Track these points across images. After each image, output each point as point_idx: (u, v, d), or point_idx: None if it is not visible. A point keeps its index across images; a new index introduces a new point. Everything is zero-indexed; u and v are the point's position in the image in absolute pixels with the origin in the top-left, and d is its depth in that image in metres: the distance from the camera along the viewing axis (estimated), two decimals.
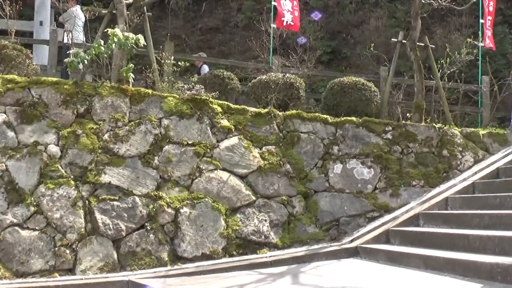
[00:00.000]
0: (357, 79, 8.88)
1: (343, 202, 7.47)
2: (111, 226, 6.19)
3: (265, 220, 6.92)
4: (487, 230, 5.56)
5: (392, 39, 10.23)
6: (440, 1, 9.48)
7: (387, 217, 7.26)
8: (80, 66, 6.65)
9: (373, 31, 14.34)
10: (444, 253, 5.39)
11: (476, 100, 11.07)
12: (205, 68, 10.54)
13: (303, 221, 7.18)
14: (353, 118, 8.09)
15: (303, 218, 7.22)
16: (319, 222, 7.26)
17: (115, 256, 6.12)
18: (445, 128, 8.55)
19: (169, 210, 6.48)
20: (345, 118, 8.09)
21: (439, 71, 9.90)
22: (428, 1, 9.57)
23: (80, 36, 9.28)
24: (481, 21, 11.24)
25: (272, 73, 8.61)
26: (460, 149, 8.33)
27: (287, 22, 10.33)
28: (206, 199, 6.73)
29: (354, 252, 6.70)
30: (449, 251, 5.47)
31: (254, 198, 7.04)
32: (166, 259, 6.26)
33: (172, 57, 8.11)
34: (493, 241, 5.11)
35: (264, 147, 7.46)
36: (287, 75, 8.61)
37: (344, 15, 15.50)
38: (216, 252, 6.47)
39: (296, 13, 10.61)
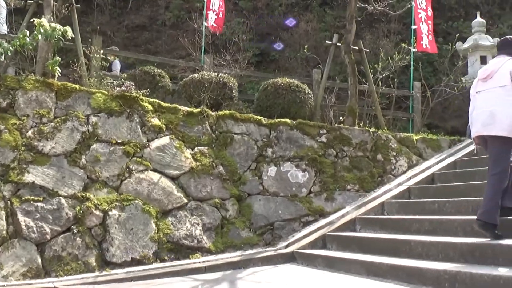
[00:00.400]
0: (291, 80, 9.49)
1: (278, 205, 7.97)
2: (34, 228, 6.30)
3: (198, 224, 7.28)
4: (429, 236, 5.96)
5: (327, 42, 11.04)
6: (375, 6, 10.50)
7: (323, 222, 7.79)
8: (3, 57, 6.85)
9: (303, 34, 15.29)
10: (387, 259, 5.73)
11: (409, 106, 12.20)
12: (117, 64, 10.88)
13: (237, 225, 7.60)
14: (287, 120, 8.62)
15: (237, 222, 7.65)
16: (253, 226, 7.70)
17: (39, 261, 6.22)
18: (379, 132, 9.24)
19: (97, 212, 6.68)
20: (279, 120, 8.61)
21: (372, 75, 10.89)
22: (363, 4, 10.58)
23: (3, 27, 9.36)
24: (413, 27, 12.41)
25: (204, 72, 9.05)
26: (394, 153, 9.12)
27: (210, 22, 11.06)
28: (136, 201, 6.99)
29: (290, 258, 7.12)
30: (391, 257, 5.82)
31: (186, 200, 7.39)
32: (94, 264, 6.45)
33: (101, 51, 8.47)
34: (437, 247, 5.47)
35: (196, 148, 7.85)
36: (221, 74, 9.21)
37: (274, 17, 16.40)
38: (146, 257, 6.73)
39: (221, 14, 11.33)
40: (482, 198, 6.13)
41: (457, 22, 18.25)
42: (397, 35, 15.97)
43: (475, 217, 5.33)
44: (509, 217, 5.36)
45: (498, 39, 11.32)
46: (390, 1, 10.88)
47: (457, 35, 12.74)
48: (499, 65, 5.53)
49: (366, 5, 10.60)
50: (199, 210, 7.45)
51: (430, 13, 12.69)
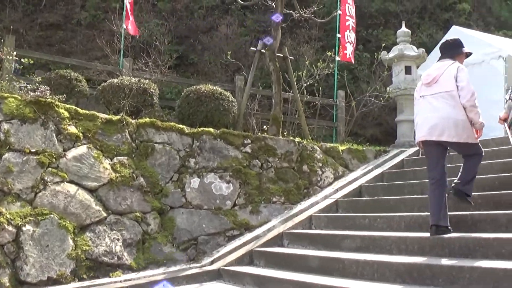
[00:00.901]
0: (214, 87, 9.68)
1: (201, 219, 8.14)
2: None
3: (118, 239, 7.31)
4: (362, 253, 6.19)
5: (251, 48, 11.40)
6: (301, 12, 10.93)
7: (249, 236, 8.01)
8: None
9: (223, 38, 15.64)
10: (320, 279, 5.84)
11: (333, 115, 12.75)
12: None
13: (159, 240, 7.69)
14: (211, 129, 8.81)
15: (159, 236, 7.74)
16: (176, 241, 7.82)
17: None
18: (304, 142, 9.61)
19: (10, 228, 6.55)
20: (202, 129, 8.79)
21: (296, 83, 11.30)
22: (289, 11, 10.98)
23: None
24: (338, 35, 13.01)
25: (124, 77, 9.12)
26: (320, 164, 9.54)
27: (127, 26, 11.14)
28: (52, 216, 6.93)
29: (216, 275, 7.25)
30: (324, 276, 5.97)
31: (105, 214, 7.40)
32: (8, 284, 6.28)
33: (14, 53, 8.32)
34: (372, 266, 5.64)
35: (115, 158, 7.89)
36: (141, 80, 9.28)
37: (193, 20, 16.62)
38: (64, 276, 6.68)
39: (131, 18, 11.43)
40: (413, 213, 6.69)
41: (377, 30, 19.21)
42: (318, 42, 16.65)
43: (408, 233, 5.83)
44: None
45: (423, 49, 12.18)
46: (315, 8, 11.39)
47: (383, 44, 13.47)
48: (443, 69, 5.96)
49: (292, 11, 11.03)
50: (119, 224, 7.49)
51: (353, 24, 13.33)
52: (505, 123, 5.56)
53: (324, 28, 17.66)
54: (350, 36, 13.28)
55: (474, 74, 14.47)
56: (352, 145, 10.71)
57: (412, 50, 11.87)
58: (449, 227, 5.72)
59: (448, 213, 5.91)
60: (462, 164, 6.19)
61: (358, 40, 16.10)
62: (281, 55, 10.83)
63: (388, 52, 12.16)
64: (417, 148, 10.19)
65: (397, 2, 20.14)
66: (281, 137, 9.73)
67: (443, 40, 6.47)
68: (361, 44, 18.33)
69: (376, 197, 8.33)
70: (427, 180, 7.86)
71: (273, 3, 10.81)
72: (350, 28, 13.18)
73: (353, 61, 13.57)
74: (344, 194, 8.78)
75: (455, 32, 15.96)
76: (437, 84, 5.95)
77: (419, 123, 6.12)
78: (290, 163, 9.28)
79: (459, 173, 6.14)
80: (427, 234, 5.79)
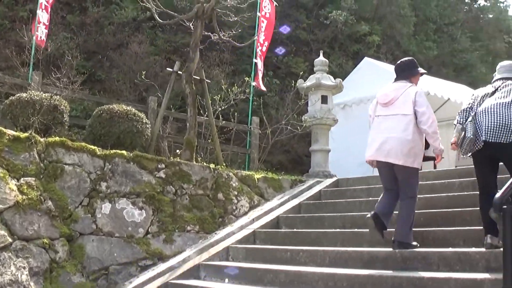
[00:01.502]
0: (128, 108, 9.63)
1: (113, 247, 8.02)
2: None
3: (24, 268, 7.02)
4: None
5: (168, 69, 11.43)
6: (220, 35, 11.11)
7: (163, 267, 7.96)
8: None
9: (132, 56, 15.60)
10: None
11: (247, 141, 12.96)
12: None
13: (68, 269, 7.50)
14: (124, 152, 8.73)
15: (68, 265, 7.54)
16: (85, 270, 7.66)
17: None
18: (220, 169, 9.72)
19: None
20: (115, 151, 8.69)
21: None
22: (207, 33, 11.13)
23: None
24: (255, 60, 13.30)
25: (34, 92, 8.90)
26: (236, 193, 9.66)
27: (40, 37, 10.91)
28: None
29: None
30: None
31: (10, 240, 7.13)
32: None
33: None
34: None
35: (22, 179, 7.65)
36: (53, 96, 9.05)
37: (103, 35, 16.47)
38: None
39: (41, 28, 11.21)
40: (337, 248, 6.92)
41: (288, 57, 19.80)
42: (230, 66, 16.94)
43: (335, 270, 6.04)
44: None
45: (340, 79, 12.66)
46: (234, 32, 11.61)
47: (301, 73, 13.88)
48: (401, 91, 6.30)
49: (211, 33, 11.19)
50: (25, 251, 7.24)
51: (265, 48, 13.66)
52: (457, 148, 5.95)
53: (236, 52, 18.00)
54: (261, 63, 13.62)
55: None
56: (267, 173, 10.92)
57: (329, 80, 12.29)
58: (414, 243, 6.16)
59: (377, 249, 6.24)
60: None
61: (268, 66, 16.56)
62: (198, 77, 10.94)
63: (304, 81, 12.53)
64: (334, 179, 10.62)
65: (308, 31, 20.87)
66: (195, 162, 9.78)
67: (399, 61, 6.82)
68: (271, 70, 18.85)
69: (295, 229, 8.49)
70: (349, 213, 8.30)
71: (191, 24, 10.95)
72: (260, 54, 13.51)
73: (263, 88, 13.89)
74: (262, 225, 8.90)
75: (367, 63, 16.79)
76: (394, 105, 6.28)
77: (370, 141, 6.48)
78: (205, 191, 9.33)
79: (397, 221, 6.38)
80: (355, 271, 6.03)
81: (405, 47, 22.99)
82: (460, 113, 6.02)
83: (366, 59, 17.36)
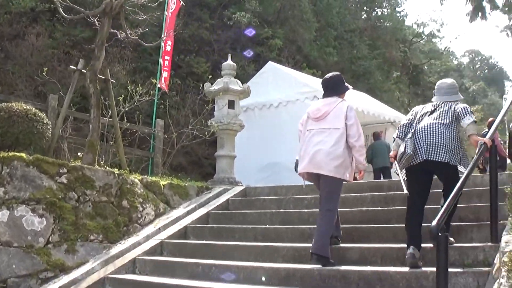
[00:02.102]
0: (28, 107, 9.14)
1: (12, 258, 7.54)
2: None
3: None
4: None
5: (70, 67, 10.93)
6: (127, 33, 10.75)
7: (66, 279, 7.58)
8: None
9: (30, 48, 14.89)
10: None
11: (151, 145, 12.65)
12: None
13: None
14: (23, 155, 8.25)
15: None
16: None
17: None
18: (125, 175, 9.38)
19: None
20: (13, 153, 8.21)
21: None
22: (114, 30, 10.74)
23: None
24: (160, 60, 13.03)
25: None
26: (141, 200, 9.33)
27: None
28: None
29: None
30: None
31: None
32: None
33: None
34: None
35: None
36: None
37: None
38: None
39: None
40: (252, 263, 6.82)
41: (190, 56, 19.61)
42: (131, 63, 16.54)
43: (250, 287, 5.95)
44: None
45: (248, 84, 12.61)
46: (142, 31, 11.31)
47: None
48: (333, 106, 6.54)
49: (117, 31, 10.83)
50: None
51: (169, 47, 13.45)
52: (395, 161, 6.20)
53: (137, 49, 17.61)
54: (166, 63, 13.38)
55: (288, 112, 15.41)
56: (172, 179, 10.68)
57: (237, 84, 12.23)
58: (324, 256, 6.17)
59: (294, 265, 6.22)
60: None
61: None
62: (103, 77, 10.57)
63: (211, 83, 12.40)
64: (242, 187, 10.57)
65: (211, 31, 20.76)
66: (98, 167, 9.42)
67: (326, 75, 7.02)
68: (172, 70, 18.57)
69: (204, 241, 8.31)
70: (260, 225, 8.25)
71: (96, 20, 10.57)
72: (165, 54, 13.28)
73: (165, 89, 13.67)
74: (169, 235, 8.67)
75: (271, 67, 16.88)
76: (326, 120, 6.51)
77: (303, 155, 6.60)
78: (109, 197, 8.99)
79: (315, 232, 6.45)
80: None
81: (307, 52, 23.38)
82: (399, 128, 6.32)
83: (270, 63, 17.46)
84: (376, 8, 31.65)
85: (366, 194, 8.44)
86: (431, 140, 5.92)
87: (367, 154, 16.28)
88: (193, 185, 10.64)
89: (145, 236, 8.69)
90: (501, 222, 5.78)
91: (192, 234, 8.80)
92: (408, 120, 6.32)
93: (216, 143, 12.31)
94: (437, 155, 5.85)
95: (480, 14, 14.17)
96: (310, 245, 6.38)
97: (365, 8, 30.76)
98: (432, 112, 6.19)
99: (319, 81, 17.37)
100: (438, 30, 35.16)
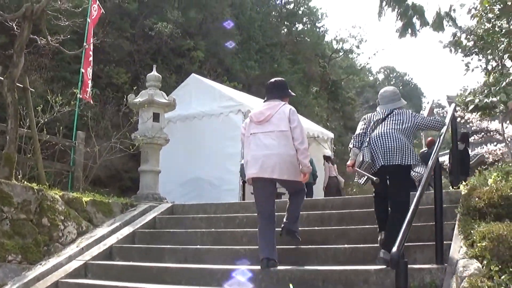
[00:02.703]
0: None
1: None
2: None
3: None
4: None
5: None
6: (49, 40, 10.24)
7: None
8: None
9: None
10: None
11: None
12: None
13: None
14: None
15: None
16: None
17: None
18: (45, 191, 8.87)
19: None
20: None
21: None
22: (35, 36, 10.22)
23: None
24: (82, 70, 12.49)
25: None
26: (62, 218, 8.79)
27: None
28: None
29: None
30: None
31: None
32: None
33: None
34: None
35: None
36: None
37: None
38: None
39: None
40: (183, 286, 6.57)
41: (109, 66, 19.06)
42: (49, 72, 15.88)
43: None
44: None
45: (174, 97, 12.28)
46: (63, 37, 10.83)
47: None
48: (276, 109, 6.61)
49: (37, 37, 10.32)
50: None
51: (91, 58, 12.95)
52: (356, 168, 6.44)
53: (55, 57, 16.94)
54: (90, 73, 12.89)
55: (212, 125, 15.18)
56: (95, 195, 10.18)
57: (162, 97, 11.91)
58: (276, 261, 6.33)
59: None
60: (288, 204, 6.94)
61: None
62: (21, 85, 10.01)
63: (136, 95, 12.01)
64: (169, 204, 10.20)
65: (132, 41, 20.28)
66: (15, 181, 8.86)
67: (271, 80, 7.11)
68: (91, 80, 17.97)
69: (132, 262, 7.85)
70: (191, 246, 7.92)
71: (14, 25, 10.05)
72: (91, 65, 12.80)
73: (90, 100, 13.15)
74: (93, 256, 8.18)
75: (195, 80, 16.61)
76: (270, 123, 6.57)
77: (250, 160, 6.64)
78: (28, 215, 8.43)
79: (286, 213, 6.88)
80: None
81: (229, 65, 23.24)
82: (355, 138, 6.56)
83: (193, 75, 17.19)
84: (296, 23, 31.93)
85: (302, 212, 8.28)
86: (387, 145, 6.18)
87: None
88: (117, 201, 10.18)
89: (68, 257, 8.17)
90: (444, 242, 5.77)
91: (118, 255, 8.33)
92: (362, 129, 6.56)
93: (138, 157, 11.92)
94: (393, 159, 6.12)
95: (410, 30, 14.35)
96: (246, 267, 6.36)
97: (286, 22, 30.94)
98: (383, 120, 6.45)
99: (244, 95, 17.38)
100: (357, 46, 35.72)
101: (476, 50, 19.71)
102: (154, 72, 12.28)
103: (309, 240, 7.18)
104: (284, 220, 6.85)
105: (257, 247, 6.66)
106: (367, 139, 6.38)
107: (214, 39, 22.89)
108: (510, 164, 7.88)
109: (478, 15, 6.69)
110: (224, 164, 14.76)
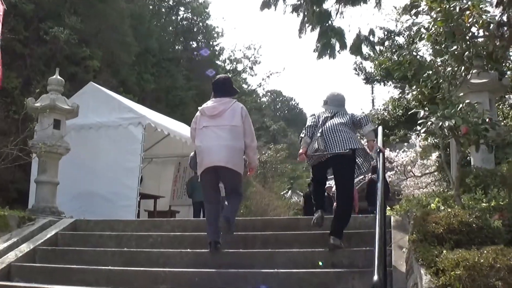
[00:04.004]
0: None
1: None
2: None
3: None
4: None
5: None
6: None
7: None
8: None
9: None
10: None
11: None
12: None
13: None
14: None
15: None
16: None
17: None
18: None
19: None
20: None
21: None
22: None
23: None
24: None
25: None
26: None
27: None
28: None
29: None
30: None
31: None
32: None
33: None
34: None
35: None
36: None
37: None
38: None
39: None
40: None
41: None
42: None
43: None
44: None
45: (78, 104, 11.27)
46: None
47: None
48: (228, 105, 7.04)
49: None
50: None
51: None
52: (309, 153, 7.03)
53: None
54: None
55: (110, 137, 14.21)
56: None
57: (65, 103, 10.94)
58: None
59: None
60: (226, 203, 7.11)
61: None
62: None
63: (36, 99, 10.93)
64: (71, 220, 9.24)
65: (25, 44, 18.93)
66: None
67: (219, 77, 7.56)
68: None
69: (35, 284, 6.72)
70: (102, 267, 7.01)
71: None
72: None
73: None
74: None
75: (93, 88, 15.57)
76: (222, 117, 6.96)
77: (205, 150, 6.96)
78: None
79: (226, 206, 7.06)
80: None
81: (125, 77, 22.22)
82: (306, 129, 7.11)
83: (91, 84, 16.10)
84: (191, 40, 31.25)
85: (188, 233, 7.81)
86: (338, 137, 6.82)
87: (188, 188, 15.61)
88: (14, 215, 9.04)
89: None
90: None
91: (18, 275, 7.21)
92: (312, 122, 7.15)
93: (25, 167, 10.84)
94: (342, 147, 6.75)
95: (328, 51, 14.09)
96: None
97: (181, 38, 30.21)
98: (332, 117, 7.10)
99: (144, 108, 16.50)
100: (251, 68, 35.45)
101: (378, 78, 20.04)
102: (57, 76, 11.28)
103: (236, 264, 6.60)
104: (223, 211, 7.02)
105: (178, 270, 6.60)
106: (320, 131, 6.93)
107: (111, 49, 21.76)
108: (446, 191, 7.86)
109: (426, 36, 6.37)
110: (121, 179, 13.77)
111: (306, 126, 7.19)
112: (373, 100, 35.58)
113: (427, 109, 6.55)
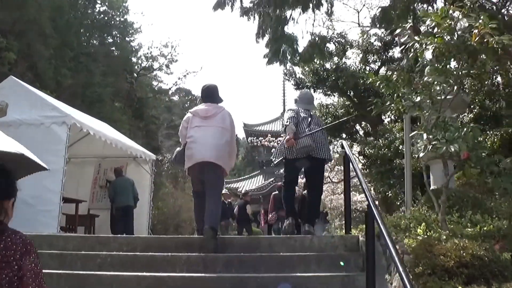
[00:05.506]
0: None
1: None
2: None
3: None
4: None
5: None
6: None
7: None
8: None
9: None
10: None
11: None
12: None
13: None
14: None
15: None
16: None
17: None
18: None
19: None
20: None
21: None
22: None
23: None
24: None
25: None
26: None
27: None
28: None
29: None
30: None
31: None
32: None
33: None
34: None
35: None
36: None
37: None
38: None
39: None
40: None
41: None
42: None
43: None
44: None
45: (7, 102, 10.20)
46: None
47: None
48: (219, 109, 7.70)
49: None
50: None
51: None
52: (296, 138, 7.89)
53: None
54: None
55: (31, 136, 12.95)
56: None
57: None
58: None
59: None
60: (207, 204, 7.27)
61: None
62: None
63: None
64: None
65: None
66: None
67: (209, 85, 8.04)
68: None
69: None
70: None
71: None
72: None
73: None
74: None
75: (13, 83, 14.34)
76: (214, 119, 7.56)
77: (196, 147, 7.39)
78: None
79: (208, 212, 7.16)
80: None
81: (42, 70, 20.80)
82: (291, 118, 8.08)
83: (11, 78, 14.81)
84: (106, 35, 29.88)
85: (179, 254, 6.95)
86: (321, 144, 8.02)
87: (109, 192, 14.79)
88: None
89: None
90: None
91: None
92: (294, 114, 8.19)
93: None
94: (320, 153, 7.99)
95: (280, 58, 13.56)
96: None
97: (96, 34, 28.79)
98: (311, 120, 8.15)
99: (70, 108, 15.34)
100: (167, 66, 34.41)
101: (309, 84, 19.73)
102: None
103: None
104: (206, 217, 7.15)
105: None
106: (307, 130, 7.92)
107: (28, 41, 20.29)
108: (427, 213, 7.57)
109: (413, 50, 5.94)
110: (42, 182, 12.60)
111: (290, 117, 8.12)
112: None
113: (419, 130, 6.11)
